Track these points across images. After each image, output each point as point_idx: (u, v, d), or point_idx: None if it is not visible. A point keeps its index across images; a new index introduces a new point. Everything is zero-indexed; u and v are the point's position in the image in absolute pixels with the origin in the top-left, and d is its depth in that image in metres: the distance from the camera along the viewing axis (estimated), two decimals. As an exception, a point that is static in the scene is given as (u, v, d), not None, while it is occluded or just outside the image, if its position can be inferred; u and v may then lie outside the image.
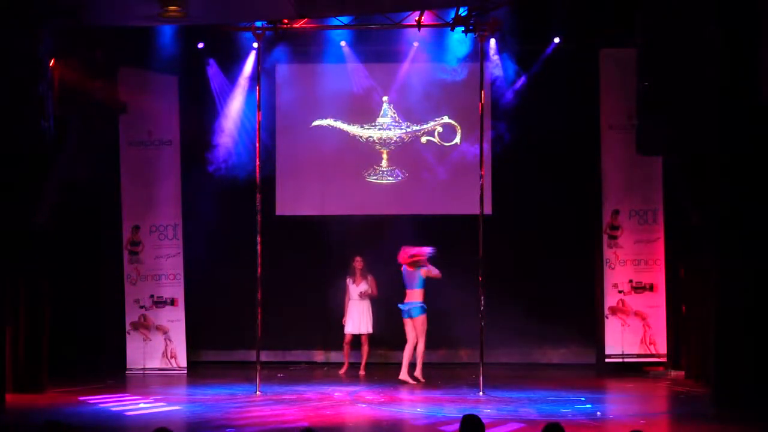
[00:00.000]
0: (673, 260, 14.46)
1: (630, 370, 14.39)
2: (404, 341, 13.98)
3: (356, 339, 14.71)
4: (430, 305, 14.07)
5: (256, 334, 13.04)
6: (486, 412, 11.19)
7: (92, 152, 14.28)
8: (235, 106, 15.28)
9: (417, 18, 13.78)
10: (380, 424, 10.77)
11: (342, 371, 14.68)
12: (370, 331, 14.62)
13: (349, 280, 14.68)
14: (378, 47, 15.28)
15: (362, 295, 14.59)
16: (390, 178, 15.69)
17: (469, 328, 14.06)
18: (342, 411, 11.56)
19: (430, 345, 14.81)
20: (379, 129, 15.62)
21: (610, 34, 14.30)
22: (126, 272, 14.81)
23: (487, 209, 14.51)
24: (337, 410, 11.57)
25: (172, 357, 14.74)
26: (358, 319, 14.59)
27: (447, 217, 15.43)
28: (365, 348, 14.65)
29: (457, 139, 15.51)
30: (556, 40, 14.85)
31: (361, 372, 14.58)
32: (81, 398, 12.33)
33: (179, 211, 14.90)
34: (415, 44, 15.09)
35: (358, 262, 14.64)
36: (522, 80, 15.17)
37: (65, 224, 14.11)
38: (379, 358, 15.66)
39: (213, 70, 15.22)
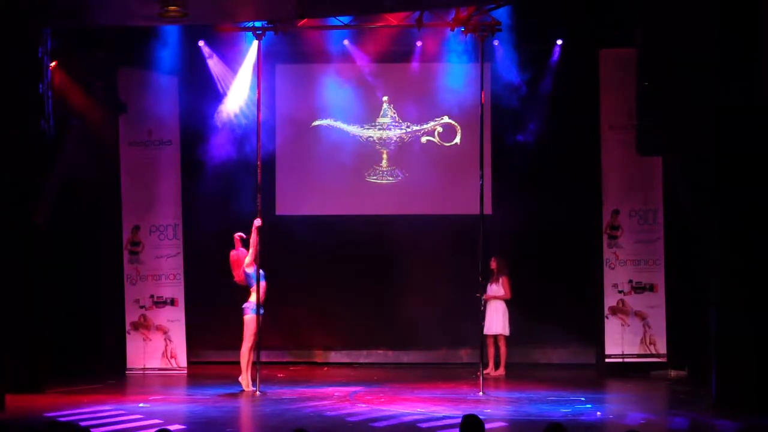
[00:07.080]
0: (673, 260, 14.45)
1: (630, 370, 14.38)
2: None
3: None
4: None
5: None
6: (486, 412, 11.19)
7: (92, 152, 14.29)
8: (235, 105, 15.26)
9: (417, 18, 13.77)
10: (380, 425, 10.75)
11: (485, 371, 14.16)
12: (503, 332, 14.36)
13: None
14: (378, 47, 15.27)
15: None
16: (390, 178, 15.68)
17: (469, 328, 14.07)
18: (342, 411, 11.55)
19: (431, 344, 14.79)
20: (379, 129, 15.62)
21: (610, 34, 14.29)
22: (126, 272, 14.81)
23: (487, 209, 14.50)
24: (337, 410, 11.56)
25: (172, 357, 14.74)
26: (490, 319, 14.38)
27: (447, 217, 15.42)
28: (501, 349, 14.42)
29: (457, 139, 15.51)
30: (559, 42, 14.87)
31: (500, 372, 14.36)
32: (81, 398, 12.33)
33: (179, 211, 14.90)
34: (419, 43, 15.09)
35: (492, 263, 14.44)
36: (522, 80, 15.16)
37: (65, 224, 14.11)
38: (380, 358, 15.68)
39: (213, 69, 15.21)
